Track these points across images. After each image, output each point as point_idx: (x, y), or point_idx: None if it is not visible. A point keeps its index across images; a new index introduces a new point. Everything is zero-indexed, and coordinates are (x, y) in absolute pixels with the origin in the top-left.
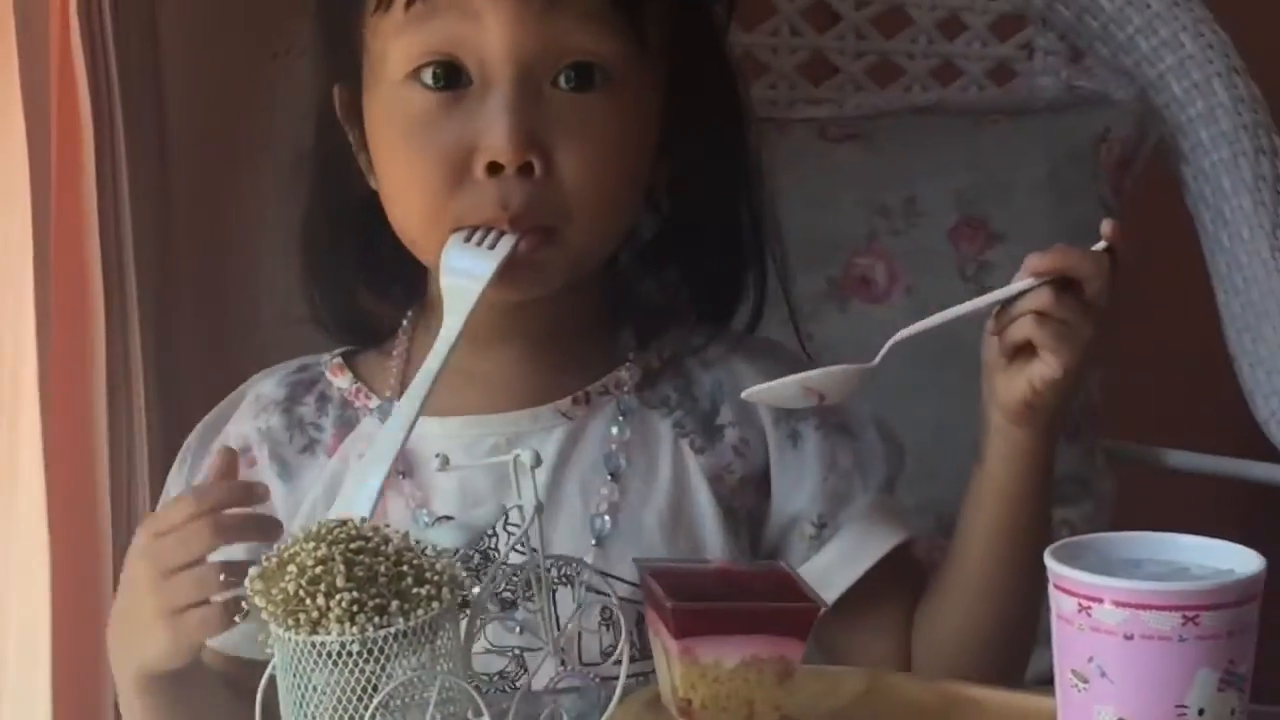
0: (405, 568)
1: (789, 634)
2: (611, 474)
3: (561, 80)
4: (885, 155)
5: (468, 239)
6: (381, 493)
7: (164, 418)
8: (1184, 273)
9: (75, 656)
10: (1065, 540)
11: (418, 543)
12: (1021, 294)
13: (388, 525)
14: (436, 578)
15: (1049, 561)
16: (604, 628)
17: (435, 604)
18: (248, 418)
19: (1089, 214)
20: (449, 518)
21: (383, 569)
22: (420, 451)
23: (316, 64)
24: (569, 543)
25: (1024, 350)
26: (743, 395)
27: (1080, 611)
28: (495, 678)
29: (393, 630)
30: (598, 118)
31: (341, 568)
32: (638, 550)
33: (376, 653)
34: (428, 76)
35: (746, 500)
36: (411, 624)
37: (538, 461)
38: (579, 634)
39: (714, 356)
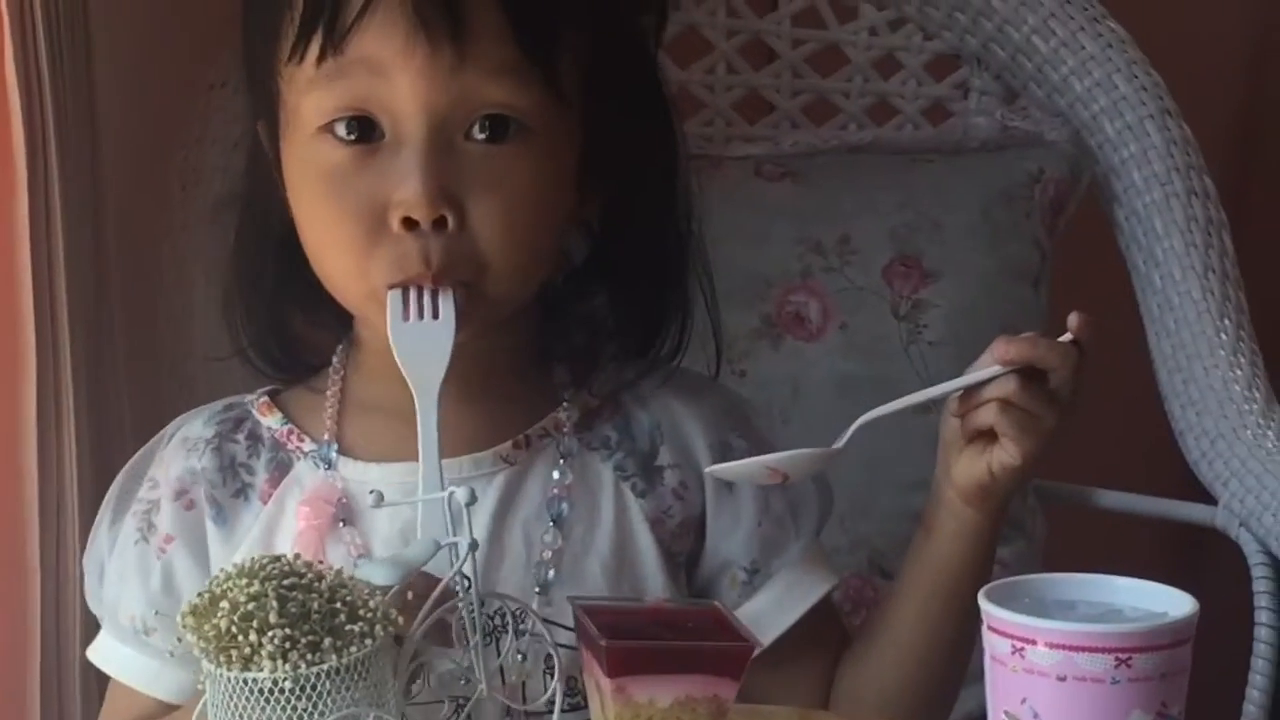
0: (338, 604)
1: (723, 673)
2: (554, 520)
3: (475, 132)
4: (820, 193)
5: (405, 312)
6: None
7: (95, 453)
8: (1116, 313)
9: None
10: (999, 581)
11: (350, 579)
12: (988, 380)
13: (321, 562)
14: (369, 614)
15: (983, 603)
16: (547, 675)
17: (369, 641)
18: (178, 459)
19: (1022, 254)
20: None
21: (316, 605)
22: (361, 499)
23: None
24: (513, 591)
25: (985, 435)
26: (706, 471)
27: (1014, 653)
28: None
29: (325, 667)
30: (512, 169)
31: (274, 604)
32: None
33: (309, 690)
34: (341, 130)
35: (684, 544)
36: (344, 661)
37: (472, 499)
38: (523, 681)
39: (648, 392)
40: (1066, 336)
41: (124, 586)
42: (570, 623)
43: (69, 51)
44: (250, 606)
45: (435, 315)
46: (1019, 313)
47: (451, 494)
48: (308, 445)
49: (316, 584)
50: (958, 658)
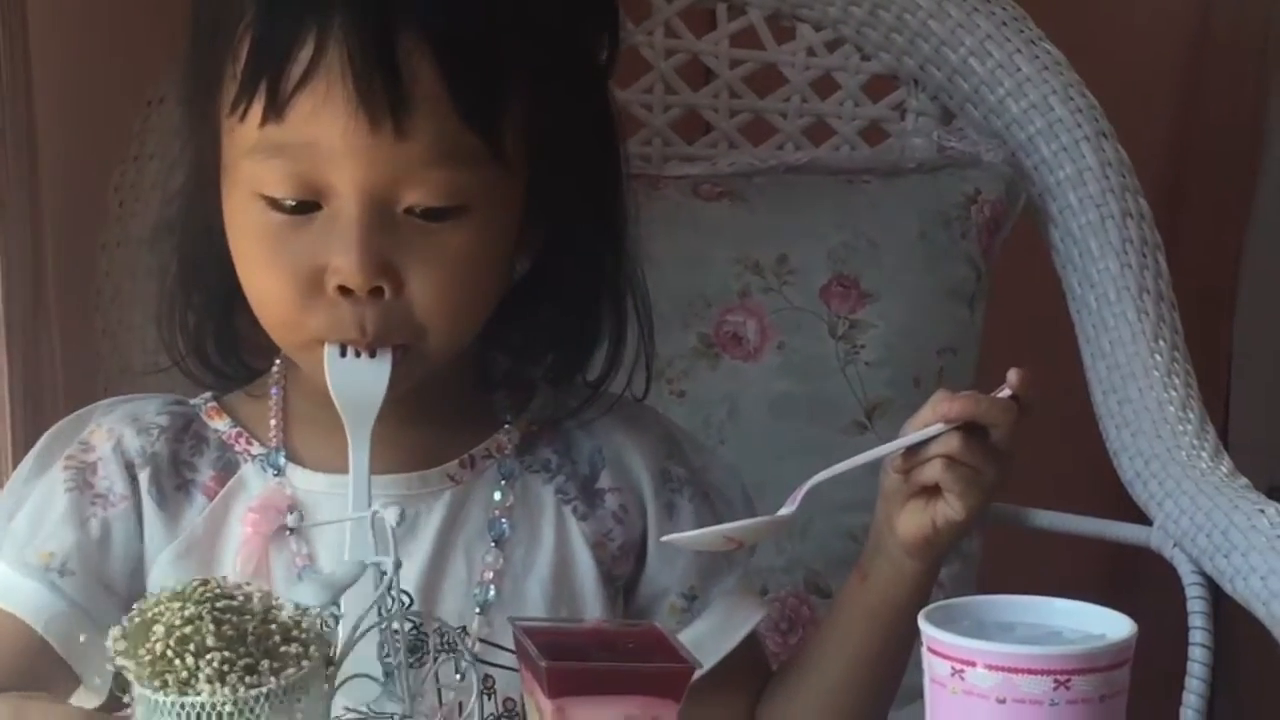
0: (273, 625)
1: (664, 694)
2: (495, 541)
3: (414, 208)
4: (758, 213)
5: (343, 353)
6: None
7: None
8: (1050, 334)
9: None
10: (939, 603)
11: (279, 600)
12: (932, 437)
13: (249, 584)
14: (303, 635)
15: (923, 624)
16: (485, 697)
17: (305, 662)
18: (128, 432)
19: (958, 274)
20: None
21: (251, 627)
22: (308, 507)
23: (183, 103)
24: (454, 610)
25: (929, 489)
26: (662, 539)
27: (954, 675)
28: None
29: (264, 690)
30: (450, 242)
31: (211, 626)
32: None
33: (247, 712)
34: (280, 199)
35: (625, 567)
36: (282, 683)
37: (400, 519)
38: (460, 702)
39: (590, 419)
40: (1005, 392)
41: (44, 526)
42: (509, 644)
43: (8, 66)
44: (186, 630)
45: (373, 355)
46: (955, 333)
47: (375, 514)
48: (255, 449)
49: (250, 605)
50: (887, 691)
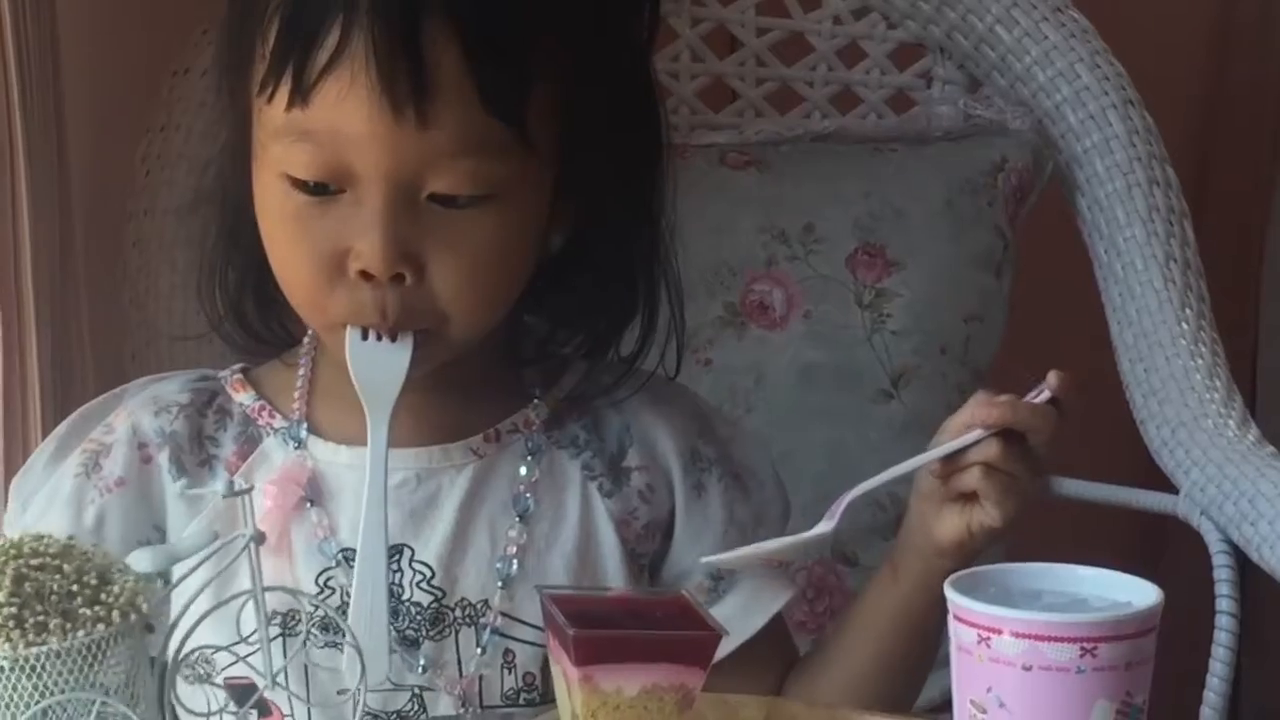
0: (80, 587)
1: (690, 662)
2: (520, 516)
3: (437, 195)
4: (784, 182)
5: (364, 336)
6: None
7: None
8: (1077, 302)
9: None
10: (965, 571)
11: (115, 565)
12: (967, 446)
13: (93, 546)
14: (110, 600)
15: (949, 592)
16: (505, 671)
17: (100, 625)
18: (146, 415)
19: (985, 243)
20: (351, 549)
21: (55, 586)
22: (329, 479)
23: (216, 82)
24: (475, 584)
25: (966, 495)
26: (703, 560)
27: (980, 642)
28: (394, 716)
29: (46, 649)
30: (473, 230)
31: (7, 583)
32: None
33: (31, 670)
34: (305, 181)
35: (649, 545)
36: (69, 644)
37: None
38: (480, 675)
39: (621, 397)
40: (1044, 394)
41: (49, 513)
42: (530, 618)
43: (35, 37)
44: None
45: (394, 339)
46: (982, 301)
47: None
48: (278, 422)
49: (64, 566)
50: (914, 680)
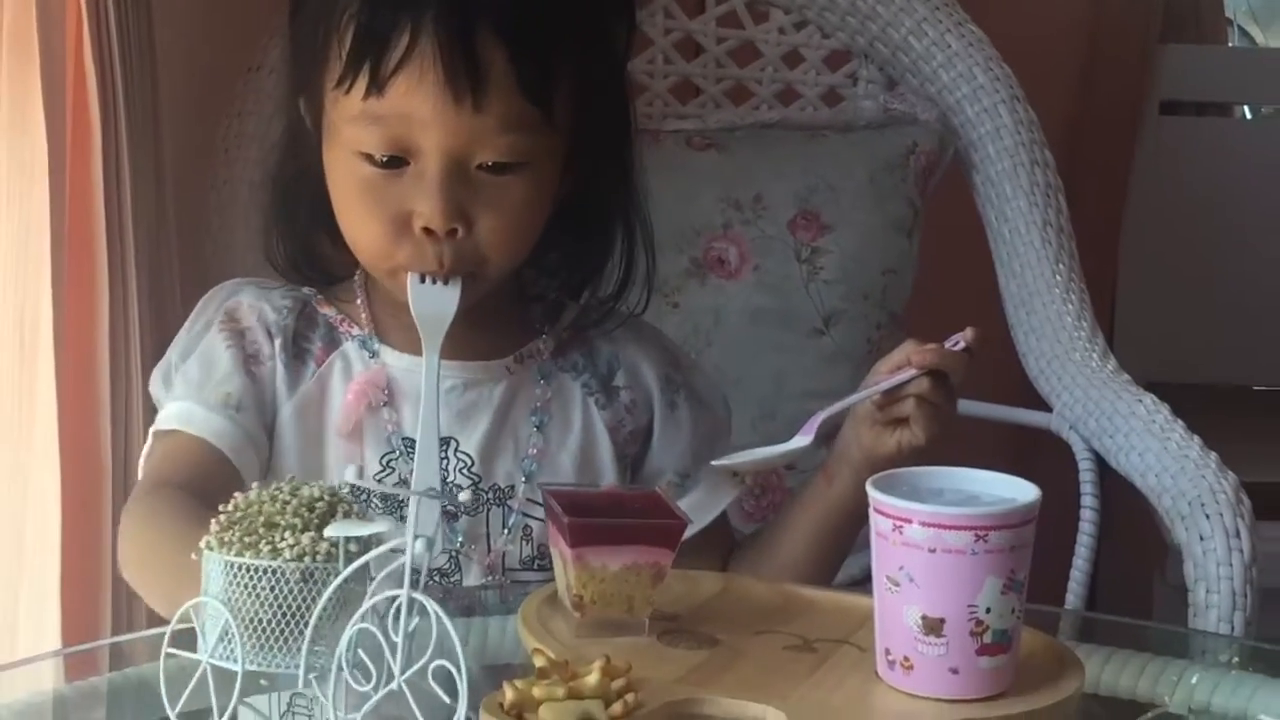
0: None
1: (661, 544)
2: (537, 426)
3: (485, 164)
4: (738, 161)
5: (422, 280)
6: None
7: (156, 355)
8: (972, 258)
9: (80, 555)
10: (882, 473)
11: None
12: (908, 380)
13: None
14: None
15: (870, 490)
16: (524, 542)
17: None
18: (267, 308)
19: (899, 211)
20: (412, 440)
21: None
22: (396, 381)
23: (282, 77)
24: (504, 473)
25: (899, 420)
26: (714, 464)
27: (894, 530)
28: (435, 573)
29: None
30: (511, 193)
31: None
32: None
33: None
34: (376, 157)
35: (633, 448)
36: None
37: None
38: (503, 552)
39: (610, 329)
40: (959, 344)
41: (216, 372)
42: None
43: (135, 40)
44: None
45: (445, 283)
46: (896, 257)
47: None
48: (355, 331)
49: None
50: (837, 561)
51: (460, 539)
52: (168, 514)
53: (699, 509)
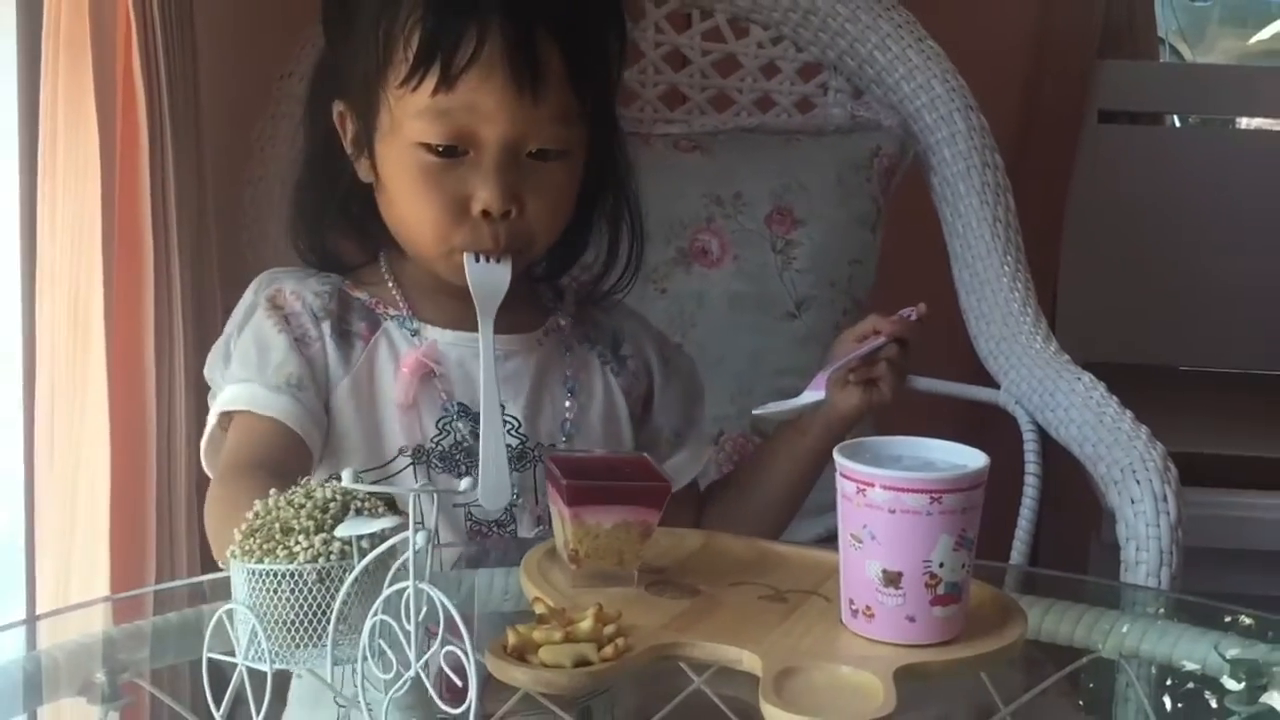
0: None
1: (649, 505)
2: (569, 391)
3: (533, 152)
4: (720, 162)
5: (477, 259)
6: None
7: (198, 342)
8: (929, 250)
9: (128, 514)
10: (848, 441)
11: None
12: (880, 347)
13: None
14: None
15: (837, 456)
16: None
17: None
18: (309, 294)
19: (864, 208)
20: (464, 405)
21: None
22: (444, 354)
23: (314, 84)
24: (545, 432)
25: (870, 380)
26: (754, 412)
27: (858, 492)
28: (493, 523)
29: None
30: (555, 178)
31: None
32: (591, 443)
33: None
34: (439, 147)
35: (638, 410)
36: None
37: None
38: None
39: (609, 306)
40: (913, 315)
41: (273, 356)
42: None
43: (179, 49)
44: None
45: (498, 261)
46: (861, 249)
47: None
48: (392, 311)
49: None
50: (798, 505)
51: (516, 492)
52: (249, 501)
53: (687, 465)
